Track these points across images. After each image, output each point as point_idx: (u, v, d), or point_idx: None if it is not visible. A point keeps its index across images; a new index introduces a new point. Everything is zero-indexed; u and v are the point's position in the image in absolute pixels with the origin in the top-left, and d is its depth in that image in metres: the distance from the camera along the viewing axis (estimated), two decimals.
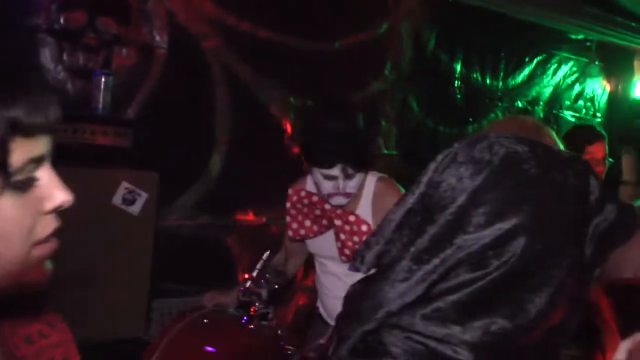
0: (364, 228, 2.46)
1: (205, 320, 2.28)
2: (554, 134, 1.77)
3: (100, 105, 2.89)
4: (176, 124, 3.36)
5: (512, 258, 1.06)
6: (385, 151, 4.18)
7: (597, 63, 5.38)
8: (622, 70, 5.64)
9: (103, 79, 2.92)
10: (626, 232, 1.16)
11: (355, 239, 2.48)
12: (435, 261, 1.10)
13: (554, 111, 5.25)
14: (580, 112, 5.46)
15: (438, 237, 1.12)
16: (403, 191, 2.42)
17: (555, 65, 5.18)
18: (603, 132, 3.72)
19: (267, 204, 3.73)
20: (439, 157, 1.19)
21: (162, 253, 3.06)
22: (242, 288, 2.39)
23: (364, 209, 2.49)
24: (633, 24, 4.94)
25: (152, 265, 2.96)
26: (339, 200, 2.47)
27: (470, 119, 4.68)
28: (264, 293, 2.41)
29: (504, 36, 4.79)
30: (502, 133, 1.17)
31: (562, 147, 1.75)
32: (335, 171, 2.42)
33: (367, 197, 2.49)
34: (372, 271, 1.23)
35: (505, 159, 1.12)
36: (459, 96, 4.57)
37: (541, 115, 5.13)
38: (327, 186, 2.44)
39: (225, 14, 3.55)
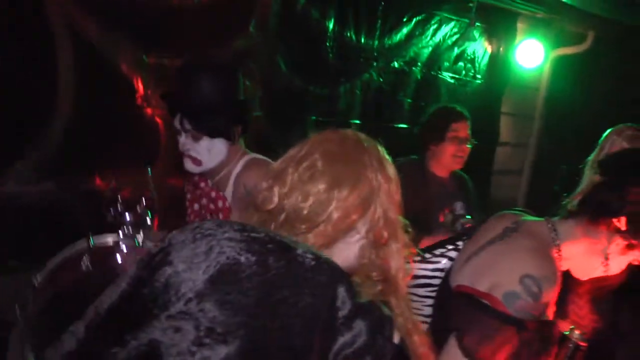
0: (220, 204, 2.47)
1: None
2: (380, 148, 1.65)
3: None
4: (10, 84, 3.09)
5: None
6: None
7: (478, 24, 5.30)
8: (504, 32, 5.60)
9: None
10: (377, 355, 1.00)
11: (215, 217, 2.46)
12: None
13: (432, 72, 5.16)
14: (459, 74, 5.39)
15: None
16: None
17: (436, 25, 5.08)
18: (466, 113, 3.69)
19: (117, 168, 3.52)
20: (153, 251, 0.99)
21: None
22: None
23: (230, 189, 2.47)
24: None
25: None
26: (188, 164, 2.46)
27: (343, 79, 4.54)
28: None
29: None
30: (231, 231, 0.97)
31: (389, 159, 1.63)
32: (177, 122, 2.41)
33: (233, 176, 2.47)
34: None
35: (220, 274, 0.92)
36: (330, 55, 4.41)
37: (419, 76, 5.04)
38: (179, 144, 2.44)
39: None
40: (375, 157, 1.54)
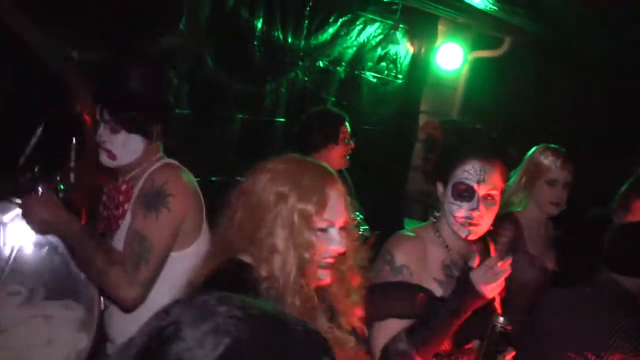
0: (123, 188, 2.48)
1: None
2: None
3: None
4: None
5: None
6: (177, 110, 4.06)
7: (402, 26, 5.49)
8: (426, 35, 5.81)
9: None
10: None
11: (115, 200, 2.51)
12: None
13: (356, 72, 5.32)
14: (382, 73, 5.58)
15: None
16: (185, 178, 2.45)
17: (361, 26, 5.23)
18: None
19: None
20: (162, 322, 1.09)
21: None
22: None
23: (139, 186, 2.47)
24: None
25: None
26: (103, 157, 2.46)
27: (269, 78, 4.64)
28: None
29: None
30: (234, 310, 1.07)
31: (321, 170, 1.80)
32: (97, 112, 2.41)
33: (146, 174, 2.46)
34: None
35: (227, 353, 1.02)
36: (258, 54, 4.50)
37: (342, 75, 5.19)
38: None
39: None
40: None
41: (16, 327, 2.27)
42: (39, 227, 2.32)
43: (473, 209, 2.34)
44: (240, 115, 4.47)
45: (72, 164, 2.50)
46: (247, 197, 1.86)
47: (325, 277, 1.89)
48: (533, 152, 3.58)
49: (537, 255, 3.42)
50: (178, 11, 4.03)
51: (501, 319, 2.28)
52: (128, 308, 2.35)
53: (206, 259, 1.94)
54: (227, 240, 1.89)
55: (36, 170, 2.36)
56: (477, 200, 2.34)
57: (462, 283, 2.30)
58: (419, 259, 2.39)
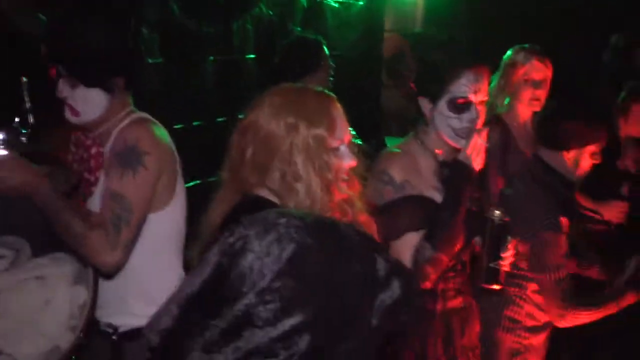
0: (94, 161, 2.42)
1: None
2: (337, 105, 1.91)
3: None
4: None
5: (298, 353, 1.16)
6: (150, 60, 4.08)
7: None
8: None
9: None
10: (408, 306, 1.29)
11: (86, 165, 2.43)
12: (226, 351, 1.18)
13: None
14: None
15: (227, 331, 1.19)
16: (157, 134, 2.38)
17: None
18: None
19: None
20: (230, 239, 1.23)
21: None
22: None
23: (109, 145, 2.40)
24: None
25: None
26: (67, 113, 2.37)
27: (234, 16, 4.66)
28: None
29: None
30: (293, 220, 1.22)
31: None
32: (55, 66, 2.33)
33: (116, 131, 2.39)
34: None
35: (293, 256, 1.18)
36: None
37: (305, 4, 5.21)
38: None
39: None
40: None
41: (9, 294, 2.16)
42: (5, 191, 2.16)
43: (473, 119, 2.47)
44: (212, 58, 4.51)
45: (28, 105, 2.32)
46: (254, 133, 1.90)
47: (345, 189, 1.98)
48: (509, 54, 3.73)
49: (527, 151, 3.58)
50: None
51: (497, 212, 2.45)
52: (109, 273, 2.29)
53: (219, 200, 1.97)
54: (240, 177, 1.93)
55: None
56: (475, 109, 2.46)
57: (452, 168, 2.47)
58: (414, 172, 2.51)
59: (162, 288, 2.40)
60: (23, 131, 2.27)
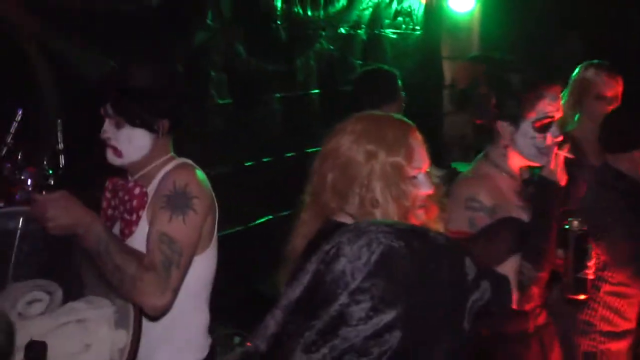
0: (135, 203, 2.39)
1: None
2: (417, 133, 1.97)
3: None
4: None
5: (391, 349, 1.24)
6: (220, 101, 4.22)
7: None
8: None
9: None
10: (501, 306, 1.35)
11: (127, 205, 2.41)
12: (324, 350, 1.27)
13: (376, 31, 5.44)
14: (400, 28, 5.69)
15: (324, 331, 1.28)
16: (202, 179, 2.42)
17: None
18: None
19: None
20: (326, 247, 1.34)
21: None
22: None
23: (154, 186, 2.41)
24: None
25: None
26: (109, 155, 2.40)
27: (297, 54, 4.77)
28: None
29: None
30: (382, 227, 1.31)
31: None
32: (102, 109, 2.38)
33: (162, 173, 2.42)
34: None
35: (382, 258, 1.27)
36: (282, 33, 4.63)
37: (365, 37, 5.31)
38: None
39: None
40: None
41: (49, 338, 2.02)
42: (55, 230, 2.13)
43: (556, 136, 2.52)
44: (278, 95, 4.62)
45: (61, 146, 2.30)
46: (334, 160, 1.94)
47: (422, 216, 2.02)
48: (578, 71, 3.75)
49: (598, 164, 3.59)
50: (203, 7, 4.16)
51: (575, 222, 2.48)
52: (157, 315, 2.25)
53: (301, 224, 2.01)
54: (320, 203, 1.97)
55: (19, 158, 2.20)
56: (556, 127, 2.52)
57: (538, 186, 2.50)
58: (500, 194, 2.54)
59: (193, 328, 2.50)
60: (50, 172, 2.22)
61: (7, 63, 3.26)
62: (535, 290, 2.46)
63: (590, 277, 2.52)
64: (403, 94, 4.06)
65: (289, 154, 4.63)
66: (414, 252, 1.27)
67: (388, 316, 1.26)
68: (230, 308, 4.02)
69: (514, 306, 2.45)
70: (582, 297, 2.55)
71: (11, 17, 3.24)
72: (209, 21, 4.17)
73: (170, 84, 2.43)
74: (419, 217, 1.97)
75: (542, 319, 2.62)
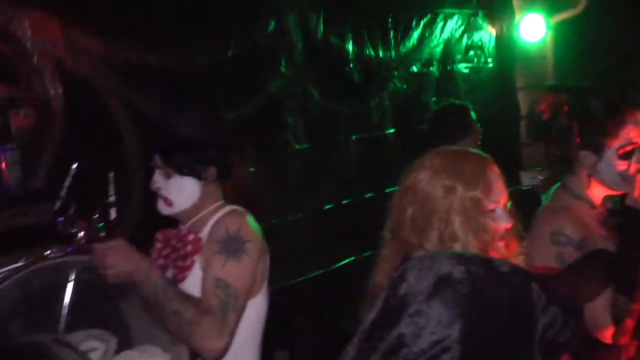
0: (189, 248, 2.43)
1: None
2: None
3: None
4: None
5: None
6: (297, 147, 4.28)
7: (480, 12, 5.59)
8: (504, 13, 5.89)
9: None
10: (573, 335, 1.34)
11: (181, 252, 2.45)
12: None
13: (448, 67, 5.45)
14: (472, 62, 5.69)
15: (387, 352, 1.32)
16: (253, 224, 2.44)
17: (442, 22, 5.36)
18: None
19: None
20: (394, 274, 1.39)
21: None
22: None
23: (206, 232, 2.45)
24: None
25: None
26: (160, 205, 2.48)
27: (371, 95, 4.82)
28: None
29: (387, 6, 4.93)
30: (447, 254, 1.36)
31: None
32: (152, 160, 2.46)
33: (213, 220, 2.46)
34: None
35: (439, 281, 1.31)
36: (355, 75, 4.69)
37: (437, 74, 5.32)
38: None
39: (114, 49, 3.50)
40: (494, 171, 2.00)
41: None
42: (114, 278, 2.17)
43: (639, 162, 2.46)
44: (354, 137, 4.66)
45: (113, 199, 2.34)
46: (413, 195, 1.95)
47: (502, 249, 2.00)
48: None
49: None
50: (276, 55, 4.26)
51: None
52: (214, 358, 2.26)
53: (382, 259, 2.01)
54: (400, 239, 1.97)
55: (71, 211, 2.24)
56: (639, 152, 2.46)
57: (624, 215, 2.44)
58: (584, 226, 2.48)
59: None
60: (100, 225, 2.27)
61: (91, 116, 3.40)
62: (629, 323, 2.38)
63: None
64: (478, 125, 4.04)
65: (368, 195, 4.65)
66: (472, 276, 1.30)
67: (445, 337, 1.29)
68: (318, 350, 4.04)
69: (609, 341, 2.39)
70: None
71: (93, 72, 3.40)
72: (282, 68, 4.27)
73: (217, 131, 2.55)
74: (498, 251, 1.96)
75: (632, 350, 2.54)
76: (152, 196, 2.51)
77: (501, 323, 1.27)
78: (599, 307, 2.38)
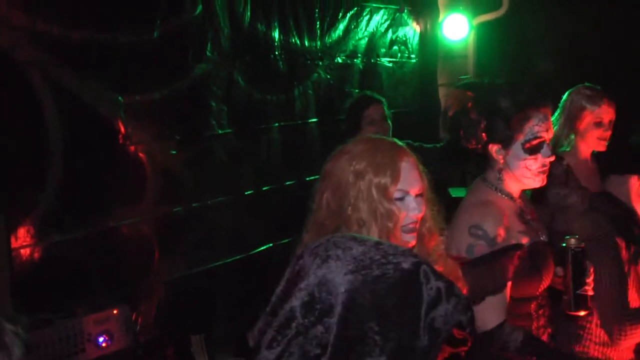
0: None
1: None
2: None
3: None
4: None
5: (332, 333, 1.29)
6: (220, 131, 4.28)
7: (406, 8, 5.71)
8: (429, 11, 6.04)
9: None
10: (460, 318, 1.37)
11: None
12: (282, 347, 1.34)
13: (372, 60, 5.53)
14: (396, 57, 5.79)
15: (281, 327, 1.35)
16: None
17: (368, 16, 5.44)
18: (379, 97, 4.34)
19: (117, 206, 3.66)
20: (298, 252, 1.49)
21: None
22: None
23: None
24: None
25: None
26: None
27: (295, 83, 4.85)
28: None
29: None
30: (341, 235, 1.38)
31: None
32: None
33: None
34: None
35: (327, 260, 1.35)
36: (281, 63, 4.71)
37: (361, 66, 5.40)
38: None
39: (34, 20, 3.42)
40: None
41: None
42: None
43: (548, 157, 2.56)
44: (277, 124, 4.69)
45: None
46: (329, 180, 2.05)
47: (411, 240, 2.07)
48: (569, 94, 3.79)
49: (590, 187, 3.62)
50: (203, 39, 4.24)
51: (572, 240, 2.52)
52: None
53: (303, 245, 2.04)
54: (319, 222, 2.07)
55: None
56: (547, 147, 2.56)
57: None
58: (502, 221, 2.57)
59: None
60: None
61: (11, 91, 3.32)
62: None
63: (590, 293, 2.54)
64: (389, 121, 4.16)
65: (288, 182, 4.69)
66: (361, 254, 1.35)
67: (328, 310, 1.34)
68: (235, 334, 4.07)
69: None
70: (582, 313, 2.58)
71: (17, 46, 3.32)
72: (208, 52, 4.25)
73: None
74: (405, 241, 2.02)
75: (545, 339, 2.65)
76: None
77: (385, 301, 1.31)
78: (490, 306, 2.48)
